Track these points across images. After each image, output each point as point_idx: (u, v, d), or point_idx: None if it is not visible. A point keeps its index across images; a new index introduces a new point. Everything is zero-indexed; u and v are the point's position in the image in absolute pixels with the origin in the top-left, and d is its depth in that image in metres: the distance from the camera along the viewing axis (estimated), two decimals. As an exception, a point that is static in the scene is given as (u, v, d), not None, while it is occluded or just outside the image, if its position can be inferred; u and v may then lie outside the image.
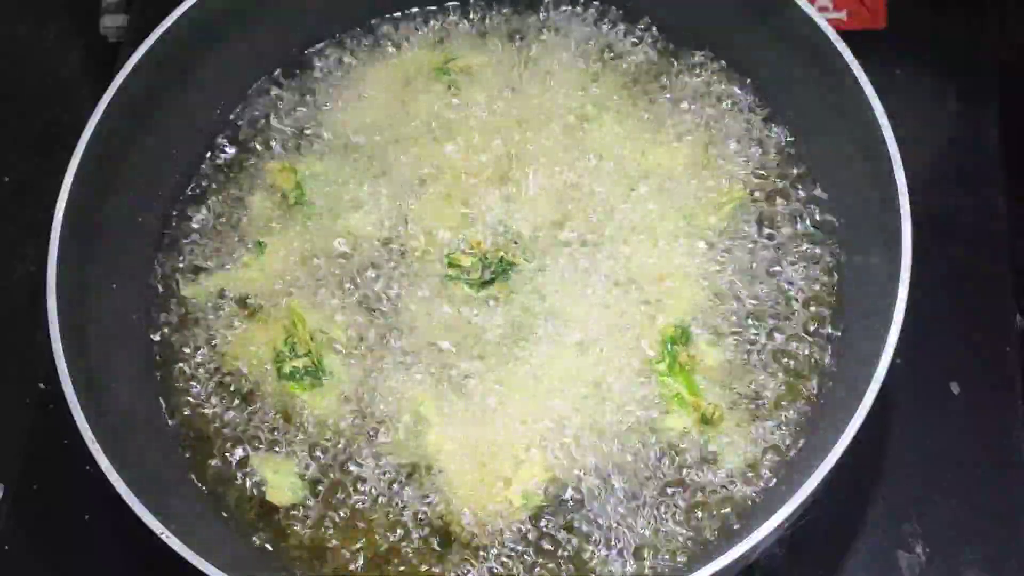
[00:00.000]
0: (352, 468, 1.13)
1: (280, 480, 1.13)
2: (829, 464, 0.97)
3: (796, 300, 1.18)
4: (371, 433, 1.13)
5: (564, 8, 1.34)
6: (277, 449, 1.14)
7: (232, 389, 1.18)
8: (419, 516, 1.10)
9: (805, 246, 1.20)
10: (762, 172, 1.24)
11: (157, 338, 1.22)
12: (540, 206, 1.22)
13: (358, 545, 1.09)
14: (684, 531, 1.08)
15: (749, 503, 1.09)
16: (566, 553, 1.08)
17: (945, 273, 1.24)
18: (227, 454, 1.15)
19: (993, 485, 1.17)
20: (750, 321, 1.17)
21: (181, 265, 1.25)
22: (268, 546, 1.11)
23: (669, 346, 1.13)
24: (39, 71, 1.50)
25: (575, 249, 1.20)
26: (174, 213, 1.28)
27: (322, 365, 1.16)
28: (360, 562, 1.09)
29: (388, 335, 1.17)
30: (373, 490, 1.11)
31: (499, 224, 1.21)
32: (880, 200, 1.08)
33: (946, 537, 1.15)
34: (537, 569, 1.07)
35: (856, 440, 0.97)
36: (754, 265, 1.19)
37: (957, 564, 1.14)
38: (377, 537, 1.09)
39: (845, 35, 1.12)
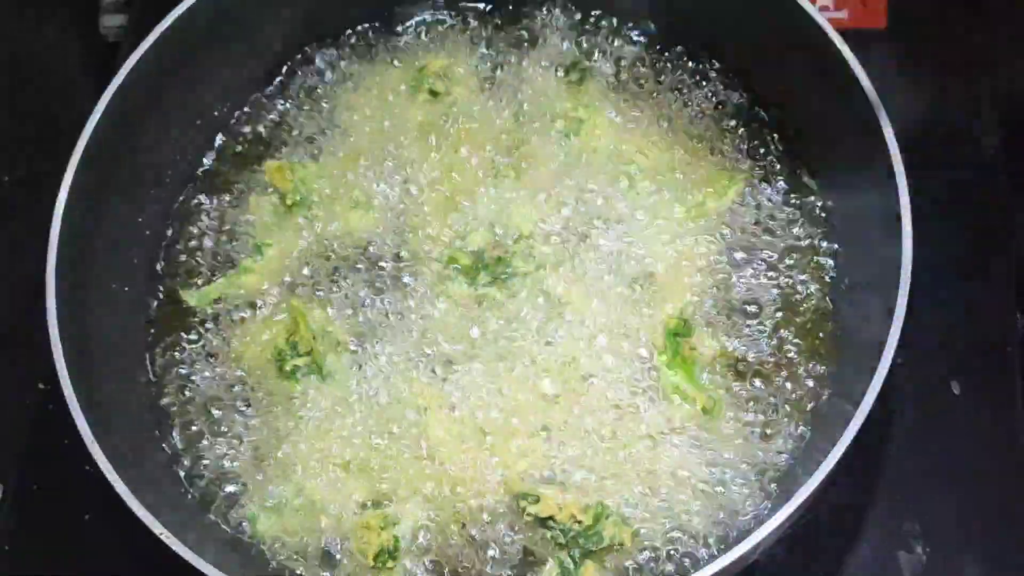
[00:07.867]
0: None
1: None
2: (830, 464, 0.97)
3: (797, 298, 1.18)
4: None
5: (560, 6, 1.34)
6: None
7: (232, 390, 1.18)
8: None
9: (805, 245, 1.20)
10: (761, 172, 1.24)
11: (157, 338, 1.22)
12: (538, 204, 1.22)
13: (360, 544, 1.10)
14: (683, 527, 1.08)
15: (748, 501, 1.09)
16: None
17: (945, 273, 1.24)
18: (227, 456, 1.15)
19: (993, 485, 1.17)
20: (751, 316, 1.17)
21: (181, 266, 1.25)
22: (266, 547, 1.11)
23: (671, 338, 1.13)
24: (39, 71, 1.49)
25: (574, 245, 1.20)
26: (174, 213, 1.28)
27: (323, 363, 1.16)
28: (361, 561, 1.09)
29: (388, 333, 1.17)
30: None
31: (498, 223, 1.21)
32: (880, 199, 1.08)
33: (946, 537, 1.15)
34: (533, 553, 1.08)
35: (856, 440, 0.97)
36: (755, 263, 1.19)
37: (957, 564, 1.14)
38: (376, 535, 1.09)
39: (845, 34, 1.12)
